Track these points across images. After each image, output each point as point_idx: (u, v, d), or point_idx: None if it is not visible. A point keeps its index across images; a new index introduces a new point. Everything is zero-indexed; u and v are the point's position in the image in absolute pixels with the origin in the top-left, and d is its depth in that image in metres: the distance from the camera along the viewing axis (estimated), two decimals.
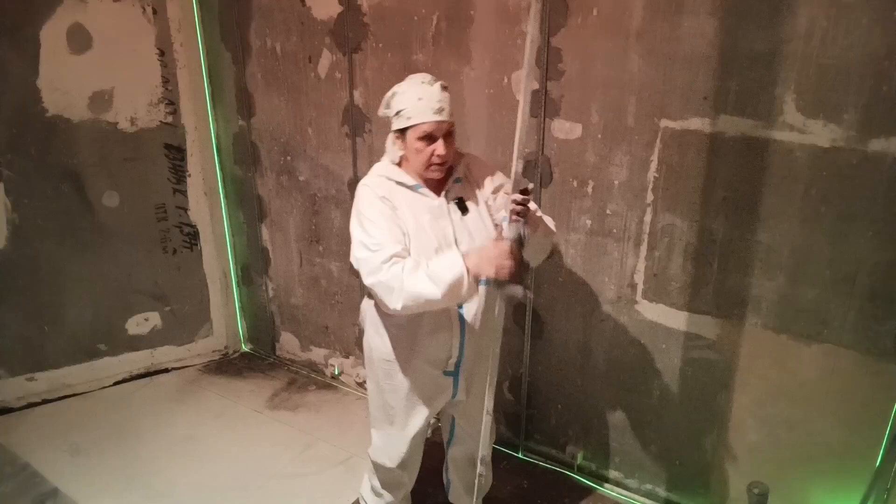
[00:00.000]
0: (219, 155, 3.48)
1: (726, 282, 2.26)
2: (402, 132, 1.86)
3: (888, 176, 1.91)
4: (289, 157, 3.20)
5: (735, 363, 2.33)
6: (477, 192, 1.98)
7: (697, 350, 2.39)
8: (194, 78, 3.29)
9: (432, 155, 1.82)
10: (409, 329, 1.98)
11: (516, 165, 1.69)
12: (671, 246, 2.32)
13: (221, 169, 3.50)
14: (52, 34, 2.94)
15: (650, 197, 2.31)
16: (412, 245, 1.85)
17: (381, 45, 2.71)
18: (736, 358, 2.32)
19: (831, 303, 2.10)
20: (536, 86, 2.39)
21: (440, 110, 1.81)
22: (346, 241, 3.16)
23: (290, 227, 3.36)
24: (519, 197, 1.69)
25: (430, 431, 2.31)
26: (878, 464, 2.14)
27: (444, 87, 1.85)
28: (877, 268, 2.01)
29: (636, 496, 2.71)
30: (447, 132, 1.84)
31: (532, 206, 1.81)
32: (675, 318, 2.39)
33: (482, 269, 1.72)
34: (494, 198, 1.99)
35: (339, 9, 2.76)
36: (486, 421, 1.93)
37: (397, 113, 1.85)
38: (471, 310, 1.97)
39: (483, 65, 2.48)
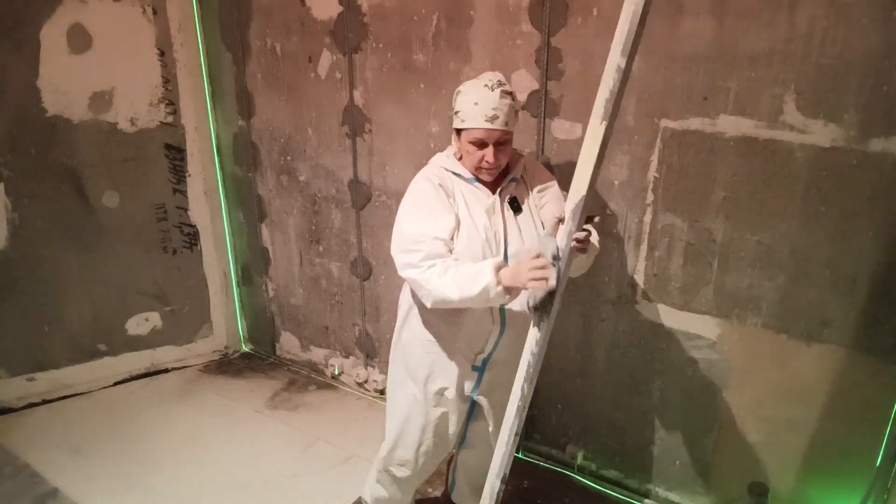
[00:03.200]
0: (219, 155, 3.48)
1: (726, 282, 2.26)
2: (459, 132, 1.90)
3: (888, 176, 1.91)
4: (289, 158, 3.20)
5: (735, 363, 2.33)
6: (530, 193, 2.00)
7: (697, 350, 2.39)
8: (194, 78, 3.29)
9: (482, 160, 1.85)
10: (452, 314, 1.98)
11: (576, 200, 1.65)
12: (671, 246, 2.33)
13: (221, 169, 3.50)
14: (52, 34, 2.94)
15: (650, 197, 2.31)
16: (460, 236, 1.87)
17: (381, 45, 2.71)
18: (736, 358, 2.32)
19: (831, 303, 2.10)
20: (537, 86, 2.39)
21: (493, 118, 1.80)
22: (345, 241, 3.18)
23: (290, 228, 3.36)
24: (581, 234, 1.68)
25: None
26: (878, 464, 2.14)
27: (507, 94, 1.83)
28: (877, 268, 2.01)
29: (636, 496, 2.71)
30: (500, 140, 1.83)
31: (594, 235, 1.86)
32: (675, 318, 2.39)
33: (516, 280, 1.70)
34: (540, 197, 2.00)
35: (339, 9, 2.76)
36: (509, 442, 1.90)
37: (456, 112, 1.89)
38: (514, 307, 1.96)
39: (483, 65, 2.48)
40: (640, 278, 2.42)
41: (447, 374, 2.06)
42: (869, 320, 2.06)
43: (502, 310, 1.97)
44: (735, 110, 2.07)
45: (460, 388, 2.08)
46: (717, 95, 2.09)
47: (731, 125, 2.10)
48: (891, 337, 2.04)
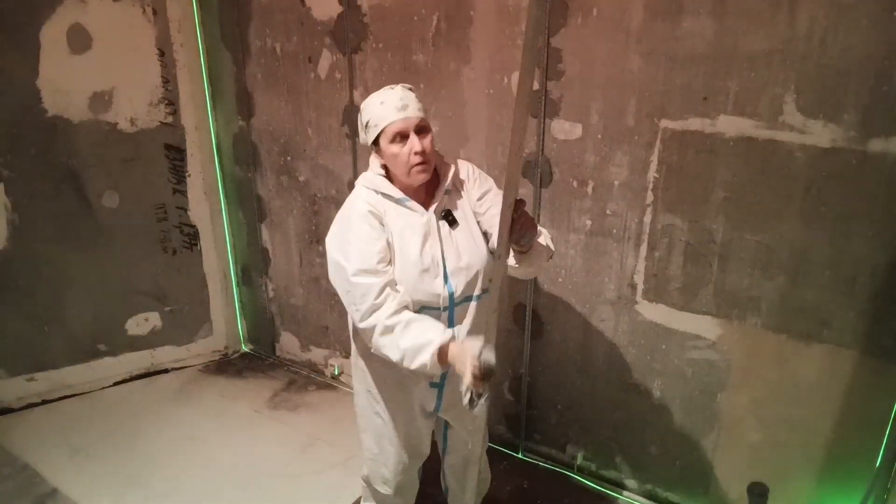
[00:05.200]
0: (219, 155, 3.48)
1: (726, 282, 2.26)
2: (377, 144, 1.81)
3: (888, 176, 1.91)
4: (289, 158, 3.20)
5: (735, 363, 2.33)
6: (465, 201, 1.91)
7: (697, 350, 2.39)
8: (194, 78, 3.29)
9: (410, 155, 1.75)
10: None
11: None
12: (671, 246, 2.33)
13: (221, 169, 3.50)
14: (52, 34, 2.94)
15: (650, 197, 2.31)
16: (397, 261, 1.80)
17: (381, 45, 2.71)
18: (736, 358, 2.32)
19: (831, 303, 2.10)
20: (536, 86, 2.39)
21: (404, 107, 1.75)
22: None
23: (289, 228, 3.36)
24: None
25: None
26: (878, 464, 2.14)
27: (409, 89, 1.81)
28: (877, 268, 2.01)
29: (636, 496, 2.71)
30: (420, 128, 1.76)
31: (543, 237, 1.80)
32: (675, 319, 2.39)
33: (459, 365, 1.67)
34: (480, 203, 1.92)
35: (339, 9, 2.76)
36: (472, 473, 1.88)
37: (366, 126, 1.80)
38: (462, 323, 1.92)
39: (483, 65, 2.48)
40: (639, 278, 2.42)
41: (407, 393, 2.02)
42: (869, 320, 2.06)
43: (451, 325, 1.91)
44: (735, 110, 2.07)
45: (421, 406, 2.05)
46: (716, 95, 2.09)
47: (730, 125, 2.09)
48: (891, 337, 2.04)
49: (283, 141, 3.19)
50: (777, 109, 2.01)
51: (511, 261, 1.79)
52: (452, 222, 1.86)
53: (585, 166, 2.40)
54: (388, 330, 1.74)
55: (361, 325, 1.78)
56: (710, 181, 2.18)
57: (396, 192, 1.83)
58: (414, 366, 1.72)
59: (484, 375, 1.61)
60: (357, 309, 1.78)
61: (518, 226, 1.59)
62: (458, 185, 1.92)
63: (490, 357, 1.62)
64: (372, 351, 1.81)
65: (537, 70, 2.36)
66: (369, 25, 2.71)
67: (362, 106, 1.83)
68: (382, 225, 1.81)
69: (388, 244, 1.80)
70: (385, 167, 1.87)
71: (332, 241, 1.85)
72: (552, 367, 2.74)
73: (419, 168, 1.77)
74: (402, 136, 1.75)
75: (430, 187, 1.87)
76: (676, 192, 2.26)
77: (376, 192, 1.84)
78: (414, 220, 1.83)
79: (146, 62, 3.17)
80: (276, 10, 2.95)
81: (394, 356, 1.74)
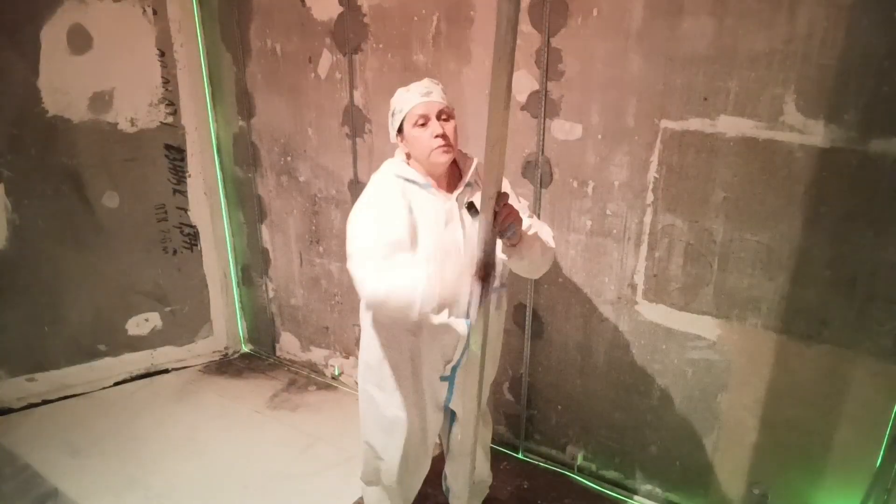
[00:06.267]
0: (219, 155, 3.48)
1: (726, 282, 2.26)
2: (402, 131, 1.87)
3: (888, 176, 1.91)
4: (289, 158, 3.20)
5: (735, 363, 2.33)
6: None
7: (697, 350, 2.39)
8: (194, 78, 3.29)
9: (432, 138, 1.80)
10: (414, 330, 1.94)
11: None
12: (671, 246, 2.33)
13: (221, 169, 3.50)
14: (53, 34, 2.95)
15: (650, 197, 2.31)
16: (420, 245, 1.83)
17: (381, 45, 2.71)
18: (736, 358, 2.32)
19: (831, 303, 2.10)
20: (537, 86, 2.39)
21: (428, 93, 1.83)
22: (345, 241, 3.17)
23: (290, 228, 3.36)
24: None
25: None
26: (878, 464, 2.14)
27: (435, 82, 1.88)
28: (877, 268, 2.01)
29: (636, 496, 2.71)
30: (442, 113, 1.82)
31: (526, 223, 1.79)
32: (675, 319, 2.40)
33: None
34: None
35: (339, 9, 2.77)
36: (465, 464, 1.86)
37: (392, 115, 1.88)
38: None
39: (483, 65, 2.48)
40: (639, 279, 2.42)
41: (418, 389, 2.02)
42: (869, 320, 2.06)
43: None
44: (735, 111, 2.07)
45: (433, 401, 2.05)
46: (717, 96, 2.09)
47: (731, 125, 2.10)
48: (890, 337, 2.04)
49: (284, 141, 3.19)
50: (777, 109, 2.01)
51: (500, 254, 1.80)
52: (475, 213, 1.88)
53: (585, 166, 2.40)
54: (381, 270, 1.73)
55: (367, 289, 1.77)
56: (710, 181, 2.18)
57: (421, 179, 1.88)
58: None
59: None
60: (364, 275, 1.77)
61: (501, 218, 1.61)
62: (478, 180, 1.95)
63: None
64: (369, 292, 1.77)
65: (537, 70, 2.37)
66: (369, 25, 2.71)
67: (391, 101, 1.90)
68: (410, 212, 1.83)
69: (413, 228, 1.82)
70: (408, 156, 1.91)
71: (353, 221, 1.86)
72: (552, 368, 2.74)
73: (440, 150, 1.81)
74: (424, 120, 1.81)
75: (452, 181, 1.93)
76: (676, 193, 2.26)
77: (405, 179, 1.88)
78: (437, 206, 1.87)
79: (146, 62, 3.17)
80: (276, 10, 2.96)
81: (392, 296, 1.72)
